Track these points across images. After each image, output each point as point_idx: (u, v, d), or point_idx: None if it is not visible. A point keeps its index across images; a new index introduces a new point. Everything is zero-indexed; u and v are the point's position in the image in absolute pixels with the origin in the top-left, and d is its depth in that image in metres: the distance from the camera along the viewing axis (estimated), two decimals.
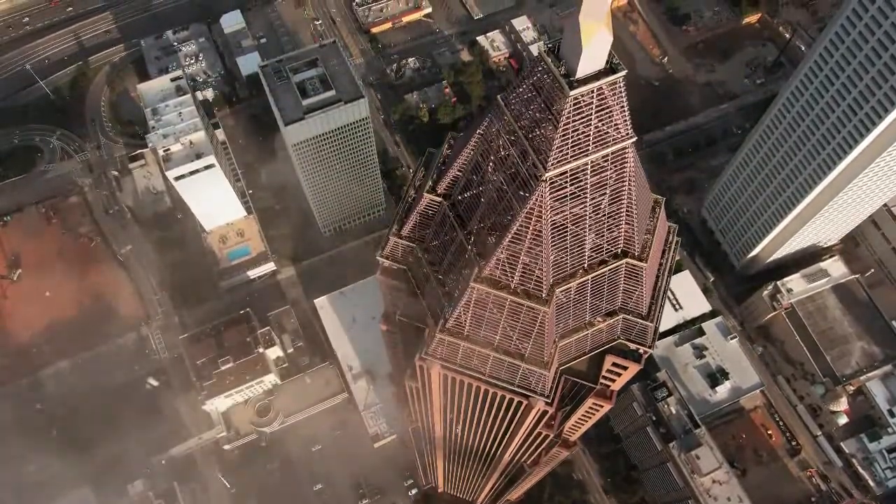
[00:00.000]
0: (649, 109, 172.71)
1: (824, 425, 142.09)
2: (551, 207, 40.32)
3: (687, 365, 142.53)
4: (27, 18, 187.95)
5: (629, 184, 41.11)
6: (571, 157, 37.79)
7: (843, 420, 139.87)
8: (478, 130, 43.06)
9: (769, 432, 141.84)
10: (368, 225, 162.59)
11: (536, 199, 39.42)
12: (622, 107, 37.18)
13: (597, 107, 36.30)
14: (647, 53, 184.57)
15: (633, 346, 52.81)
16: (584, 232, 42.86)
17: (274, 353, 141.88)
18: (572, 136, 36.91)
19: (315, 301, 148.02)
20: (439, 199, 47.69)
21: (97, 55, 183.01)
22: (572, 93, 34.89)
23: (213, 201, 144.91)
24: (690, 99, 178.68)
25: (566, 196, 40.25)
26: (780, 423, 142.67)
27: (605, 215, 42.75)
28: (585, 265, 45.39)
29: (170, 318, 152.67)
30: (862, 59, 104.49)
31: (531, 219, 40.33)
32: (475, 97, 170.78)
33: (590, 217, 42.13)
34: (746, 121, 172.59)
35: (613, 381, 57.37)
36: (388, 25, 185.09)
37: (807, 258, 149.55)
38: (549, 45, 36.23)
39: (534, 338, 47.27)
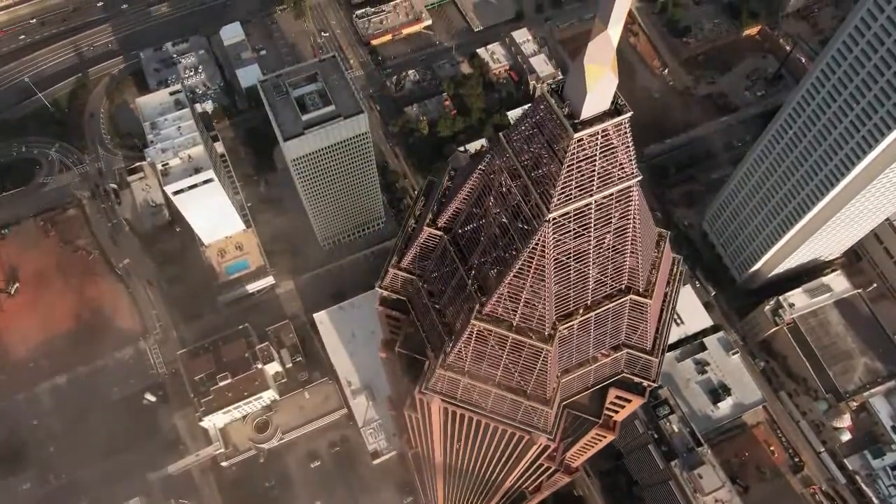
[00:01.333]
0: (649, 122, 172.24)
1: (827, 441, 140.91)
2: (554, 245, 39.50)
3: (689, 380, 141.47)
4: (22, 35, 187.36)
5: (634, 221, 40.31)
6: (575, 196, 37.02)
7: (846, 436, 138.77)
8: (479, 166, 42.25)
9: (771, 448, 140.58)
10: (368, 238, 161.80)
11: (539, 238, 38.62)
12: (627, 146, 36.41)
13: (601, 147, 35.54)
14: (648, 65, 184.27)
15: (637, 378, 51.90)
16: (588, 269, 42.04)
17: (272, 368, 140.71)
18: (576, 177, 36.14)
19: (314, 315, 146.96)
20: (440, 232, 46.84)
21: (96, 67, 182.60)
22: (577, 135, 34.11)
23: (212, 215, 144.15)
24: (691, 111, 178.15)
25: (569, 233, 39.44)
26: (783, 440, 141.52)
27: (609, 252, 41.97)
28: (589, 301, 44.53)
29: (168, 333, 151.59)
30: (864, 76, 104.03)
31: (534, 257, 39.53)
32: (475, 110, 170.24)
33: (593, 254, 41.33)
34: (747, 133, 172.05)
35: (617, 412, 56.44)
36: (388, 37, 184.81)
37: (809, 272, 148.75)
38: (553, 86, 35.42)
39: (536, 375, 46.36)
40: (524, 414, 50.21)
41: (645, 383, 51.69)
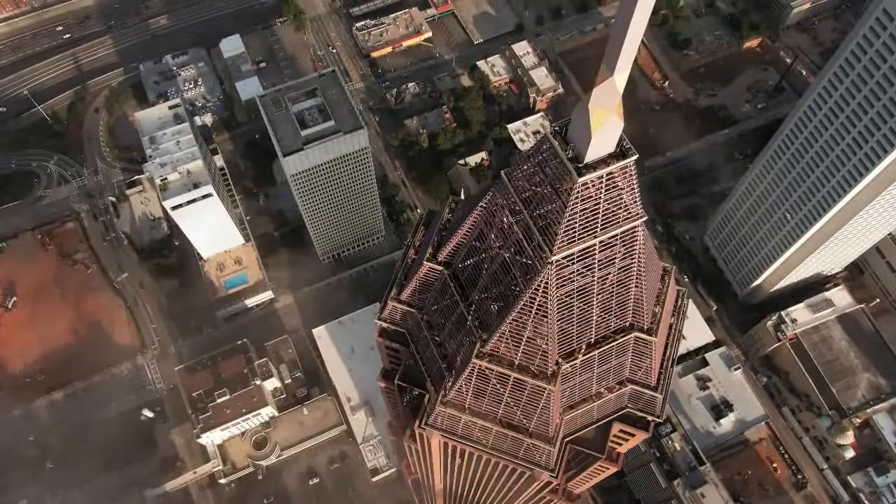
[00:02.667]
0: (650, 134, 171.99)
1: (831, 458, 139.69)
2: (557, 285, 38.63)
3: (690, 396, 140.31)
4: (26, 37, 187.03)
5: (638, 260, 39.48)
6: (579, 238, 36.18)
7: (849, 453, 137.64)
8: (480, 203, 41.42)
9: (774, 465, 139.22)
10: (367, 252, 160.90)
11: (542, 279, 37.76)
12: (632, 188, 35.61)
13: (606, 190, 34.75)
14: (648, 78, 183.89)
15: (641, 413, 50.98)
16: (592, 307, 41.17)
17: (271, 384, 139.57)
18: (580, 219, 35.32)
19: (313, 331, 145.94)
20: (440, 267, 45.96)
21: (96, 79, 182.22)
22: (581, 179, 33.28)
23: (211, 230, 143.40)
24: (692, 124, 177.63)
25: (573, 273, 38.59)
26: (786, 456, 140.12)
27: (613, 290, 41.10)
28: (592, 339, 43.62)
29: (166, 348, 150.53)
30: (867, 93, 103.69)
31: (536, 297, 38.66)
32: (475, 122, 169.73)
33: (597, 292, 40.48)
34: (748, 146, 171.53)
35: (620, 444, 55.46)
36: (388, 50, 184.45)
37: (810, 286, 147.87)
38: (556, 128, 34.65)
39: (538, 413, 45.41)
40: (526, 451, 49.23)
41: (650, 418, 50.75)
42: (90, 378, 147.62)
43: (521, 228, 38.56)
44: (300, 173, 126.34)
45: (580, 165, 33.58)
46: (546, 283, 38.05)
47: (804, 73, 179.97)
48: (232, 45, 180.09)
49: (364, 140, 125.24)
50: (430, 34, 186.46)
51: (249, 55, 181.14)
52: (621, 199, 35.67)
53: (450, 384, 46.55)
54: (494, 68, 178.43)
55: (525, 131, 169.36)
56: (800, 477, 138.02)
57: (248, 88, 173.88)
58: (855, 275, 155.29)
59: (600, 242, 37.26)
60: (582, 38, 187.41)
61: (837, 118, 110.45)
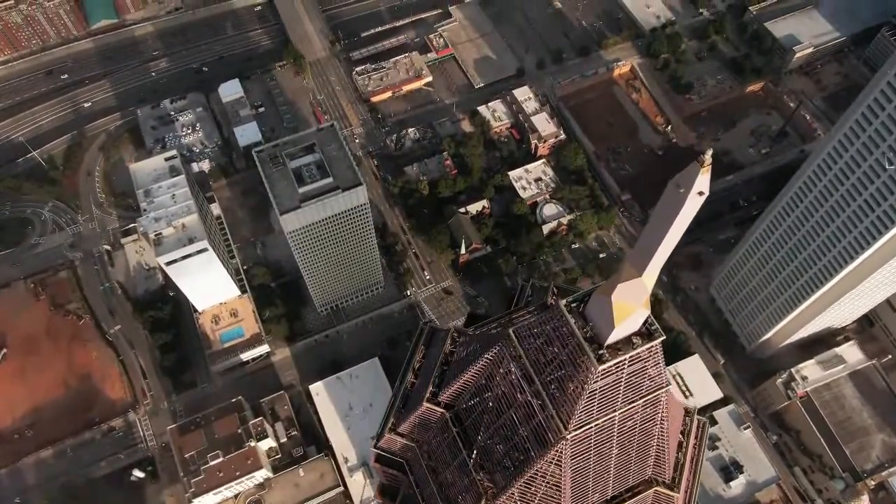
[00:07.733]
0: (652, 180, 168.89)
1: None
2: (572, 455, 35.21)
3: None
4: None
5: (661, 422, 36.09)
6: (598, 414, 32.88)
7: None
8: (486, 355, 38.08)
9: None
10: (367, 303, 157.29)
11: (556, 452, 34.36)
12: (657, 362, 32.35)
13: (629, 366, 31.50)
14: (650, 122, 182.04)
15: None
16: (609, 469, 37.65)
17: (266, 444, 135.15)
18: (599, 397, 32.03)
19: (310, 387, 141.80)
20: (441, 409, 42.51)
21: (92, 124, 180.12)
22: (602, 367, 30.01)
23: (206, 283, 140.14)
24: None
25: (590, 443, 35.17)
26: None
27: (632, 449, 37.65)
28: (609, 496, 40.06)
29: (159, 404, 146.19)
30: (878, 156, 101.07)
31: (549, 468, 35.21)
32: (476, 169, 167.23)
33: (616, 455, 37.03)
34: (753, 192, 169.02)
35: None
36: (388, 94, 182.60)
37: (821, 340, 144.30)
38: (572, 303, 31.39)
39: None
40: None
41: None
42: (80, 435, 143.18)
43: (531, 393, 35.22)
44: (298, 230, 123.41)
45: (601, 351, 30.33)
46: (560, 455, 34.61)
47: (808, 117, 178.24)
48: (231, 90, 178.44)
49: (363, 196, 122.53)
50: (430, 78, 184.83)
51: (248, 100, 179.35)
52: (645, 373, 32.44)
53: None
54: (495, 113, 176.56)
55: (527, 178, 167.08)
56: None
57: (247, 133, 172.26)
58: (865, 326, 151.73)
59: (621, 414, 33.93)
60: (583, 82, 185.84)
61: (848, 179, 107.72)
